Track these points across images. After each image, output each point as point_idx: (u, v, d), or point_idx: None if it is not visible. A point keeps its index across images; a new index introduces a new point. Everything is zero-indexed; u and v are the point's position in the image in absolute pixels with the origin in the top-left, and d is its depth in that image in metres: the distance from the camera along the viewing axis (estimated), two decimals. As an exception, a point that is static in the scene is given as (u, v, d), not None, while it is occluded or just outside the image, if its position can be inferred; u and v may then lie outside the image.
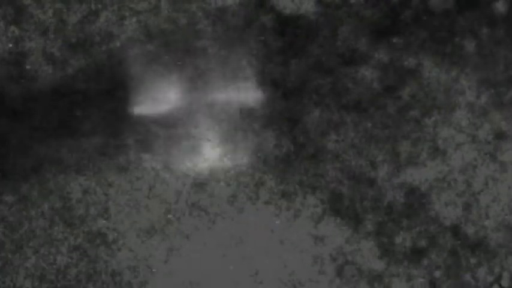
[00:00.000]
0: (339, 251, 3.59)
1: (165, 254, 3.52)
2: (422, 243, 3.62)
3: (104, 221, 3.51)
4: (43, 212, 3.49)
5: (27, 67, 3.55)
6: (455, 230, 3.66)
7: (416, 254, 3.61)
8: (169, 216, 3.54)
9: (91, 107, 3.59)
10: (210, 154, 3.65)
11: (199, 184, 3.61)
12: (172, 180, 3.61)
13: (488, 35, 3.84)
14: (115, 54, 3.64)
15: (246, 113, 3.69)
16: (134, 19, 3.63)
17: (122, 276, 3.48)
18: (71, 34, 3.59)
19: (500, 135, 3.80)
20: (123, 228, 3.53)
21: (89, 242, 3.48)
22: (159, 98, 3.67)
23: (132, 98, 3.63)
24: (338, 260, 3.58)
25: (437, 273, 3.58)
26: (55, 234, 3.47)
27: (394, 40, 3.69)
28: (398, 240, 3.63)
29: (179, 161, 3.64)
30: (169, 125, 3.66)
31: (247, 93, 3.71)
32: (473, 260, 3.63)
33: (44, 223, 3.49)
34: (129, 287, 3.47)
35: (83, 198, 3.53)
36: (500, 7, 3.91)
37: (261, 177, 3.63)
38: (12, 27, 3.50)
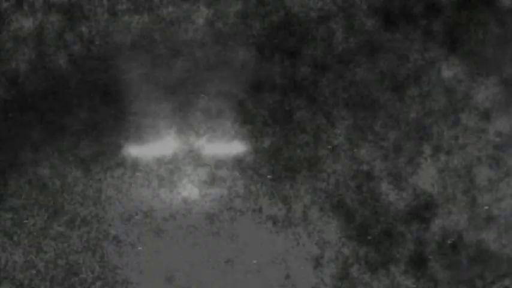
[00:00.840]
0: (337, 255, 3.57)
1: (151, 238, 3.55)
2: (424, 246, 3.61)
3: (85, 210, 3.56)
4: (24, 204, 3.57)
5: (8, 71, 3.67)
6: (458, 232, 3.63)
7: (417, 257, 3.59)
8: (152, 203, 3.59)
9: (71, 107, 3.67)
10: (195, 142, 3.69)
11: (183, 170, 3.64)
12: (154, 167, 3.64)
13: (495, 34, 3.86)
14: (99, 58, 3.73)
15: (238, 110, 3.72)
16: (120, 23, 3.73)
17: (108, 262, 3.53)
18: (52, 42, 3.69)
19: (505, 137, 3.78)
20: (106, 215, 3.57)
21: (72, 230, 3.54)
22: (144, 95, 3.73)
23: (116, 97, 3.71)
24: (337, 265, 3.57)
25: (440, 276, 3.55)
26: (39, 224, 3.54)
27: (398, 40, 3.73)
28: (398, 243, 3.61)
29: (161, 148, 3.67)
30: (149, 113, 3.71)
31: (240, 92, 3.75)
32: (475, 264, 3.58)
33: (25, 214, 3.56)
34: (116, 270, 3.52)
35: (64, 187, 3.59)
36: (507, 2, 3.94)
37: (252, 175, 3.65)
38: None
